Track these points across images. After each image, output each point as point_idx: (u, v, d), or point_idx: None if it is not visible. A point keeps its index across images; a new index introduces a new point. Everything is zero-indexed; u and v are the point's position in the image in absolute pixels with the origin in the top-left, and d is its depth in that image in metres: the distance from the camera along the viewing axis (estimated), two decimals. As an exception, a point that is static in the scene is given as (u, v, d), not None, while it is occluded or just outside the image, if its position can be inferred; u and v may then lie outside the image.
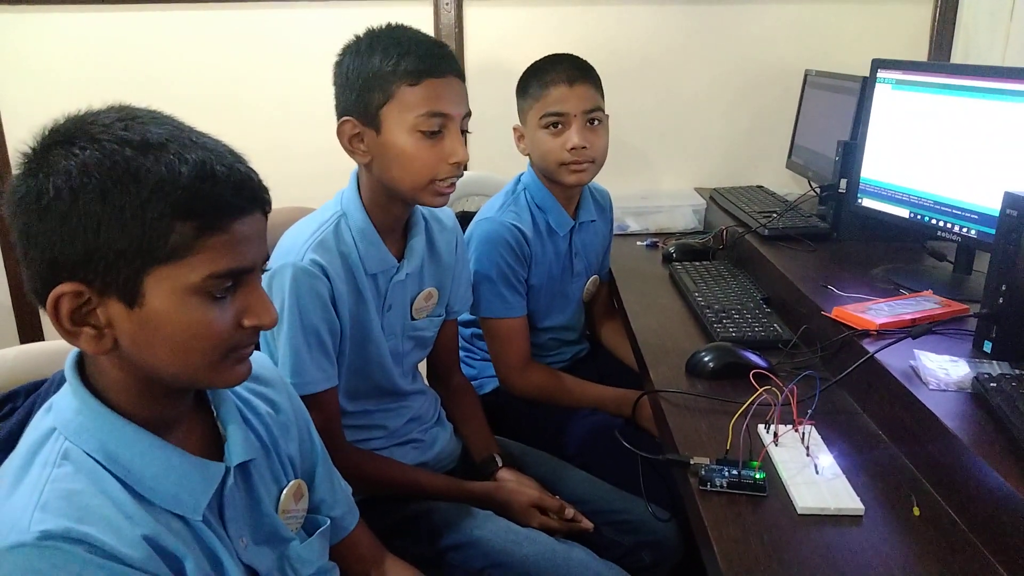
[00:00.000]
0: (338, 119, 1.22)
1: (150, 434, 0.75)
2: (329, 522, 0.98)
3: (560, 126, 1.59)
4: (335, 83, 1.23)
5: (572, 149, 1.58)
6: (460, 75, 1.22)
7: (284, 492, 0.91)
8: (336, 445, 1.20)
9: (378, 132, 1.19)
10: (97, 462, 0.72)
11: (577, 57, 1.63)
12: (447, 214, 1.44)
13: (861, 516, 0.95)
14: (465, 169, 1.34)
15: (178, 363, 0.74)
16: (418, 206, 1.32)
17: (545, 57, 1.65)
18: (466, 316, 1.68)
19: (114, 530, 0.68)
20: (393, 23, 1.23)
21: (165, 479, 0.75)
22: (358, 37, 1.21)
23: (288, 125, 2.39)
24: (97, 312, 0.71)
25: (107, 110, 0.73)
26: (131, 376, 0.74)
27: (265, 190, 0.76)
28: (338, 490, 1.03)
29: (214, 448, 0.83)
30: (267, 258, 0.79)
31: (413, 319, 1.36)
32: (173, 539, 0.73)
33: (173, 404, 0.79)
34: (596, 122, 1.61)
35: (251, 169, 0.75)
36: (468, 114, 1.23)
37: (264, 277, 1.19)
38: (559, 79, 1.58)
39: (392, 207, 1.26)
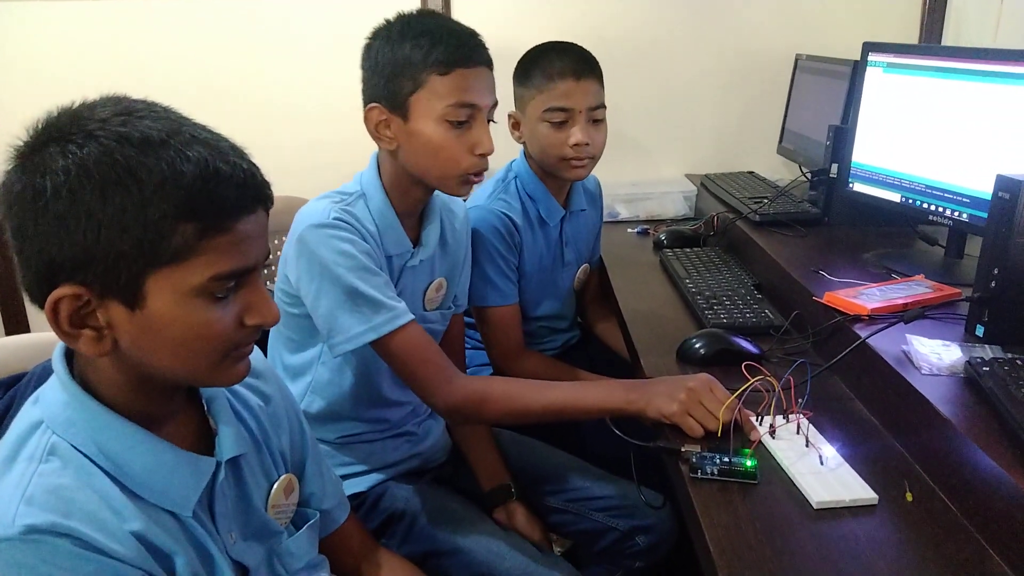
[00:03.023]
0: (365, 105, 1.21)
1: (140, 429, 0.74)
2: (318, 515, 0.97)
3: (564, 121, 1.57)
4: (363, 67, 1.21)
5: (575, 145, 1.56)
6: (490, 65, 1.21)
7: (275, 486, 0.91)
8: (445, 376, 1.17)
9: (405, 120, 1.17)
10: (86, 456, 0.71)
11: (582, 48, 1.60)
12: (459, 205, 1.42)
13: (875, 505, 0.93)
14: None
15: (179, 364, 0.72)
16: (436, 194, 1.30)
17: (549, 44, 1.61)
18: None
19: (102, 526, 0.67)
20: (424, 9, 1.23)
21: (155, 474, 0.74)
22: (389, 22, 1.20)
23: (284, 116, 2.37)
24: (97, 314, 0.69)
25: (102, 102, 0.70)
26: (127, 375, 0.73)
27: (267, 186, 0.75)
28: (328, 483, 1.02)
29: (204, 442, 0.82)
30: (268, 255, 0.77)
31: (425, 309, 1.34)
32: (163, 535, 0.72)
33: (165, 400, 0.78)
34: (598, 119, 1.59)
35: (253, 165, 0.73)
36: (495, 104, 1.22)
37: (289, 248, 1.18)
38: (566, 72, 1.55)
39: (413, 192, 1.25)
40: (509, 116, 1.66)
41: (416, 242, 1.29)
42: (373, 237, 1.21)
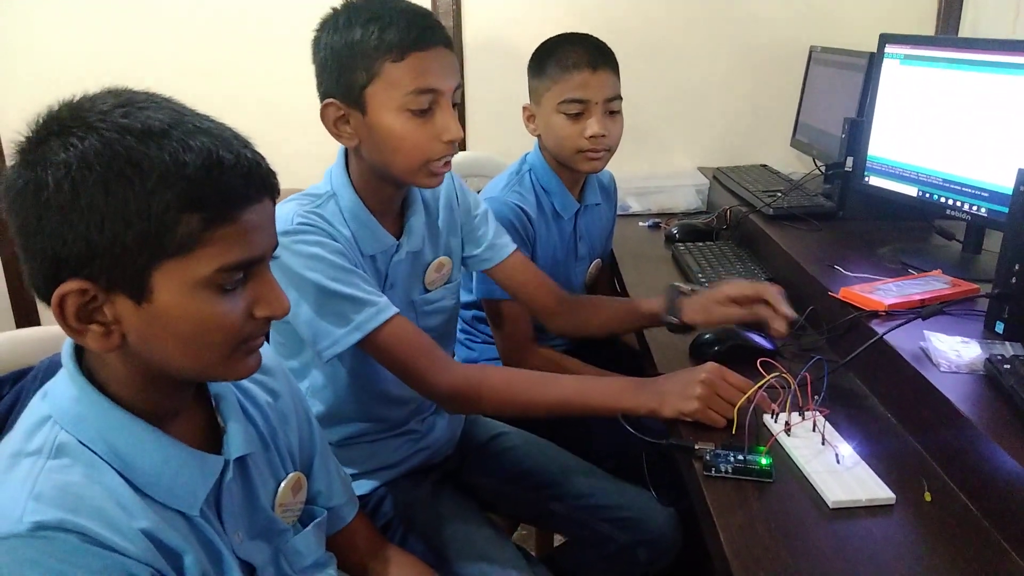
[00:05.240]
0: (321, 101, 1.14)
1: (150, 426, 0.73)
2: (325, 513, 0.96)
3: (580, 113, 1.55)
4: (314, 62, 1.15)
5: (591, 137, 1.54)
6: (447, 44, 1.14)
7: (282, 485, 0.89)
8: (425, 372, 1.14)
9: (364, 113, 1.11)
10: (94, 453, 0.70)
11: (597, 39, 1.58)
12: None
13: (892, 505, 0.92)
14: (462, 147, 1.25)
15: (189, 358, 0.71)
16: None
17: (564, 36, 1.59)
18: (467, 298, 1.65)
19: (110, 522, 0.67)
20: None
21: (163, 472, 0.73)
22: (335, 11, 1.13)
23: (286, 104, 2.35)
24: (104, 309, 0.68)
25: (103, 94, 0.69)
26: (136, 370, 0.72)
27: (273, 175, 0.73)
28: (336, 480, 1.01)
29: (212, 440, 0.81)
30: (276, 246, 0.76)
31: (427, 291, 1.31)
32: (172, 533, 0.71)
33: (174, 396, 0.77)
34: (615, 110, 1.57)
35: (258, 154, 0.72)
36: (459, 86, 1.16)
37: None
38: (581, 63, 1.52)
39: (383, 188, 1.20)
40: (524, 108, 1.64)
41: (399, 235, 1.24)
42: (347, 240, 1.16)
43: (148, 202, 0.65)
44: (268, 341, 1.29)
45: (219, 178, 0.67)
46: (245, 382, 0.88)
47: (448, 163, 1.16)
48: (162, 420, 0.75)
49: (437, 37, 1.11)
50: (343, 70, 1.10)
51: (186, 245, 0.67)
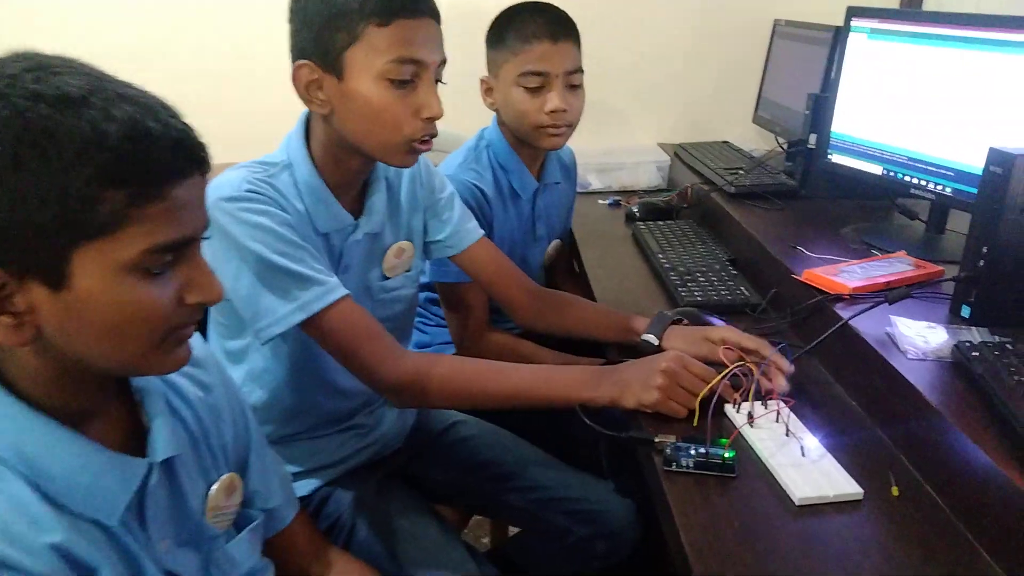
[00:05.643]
0: (293, 61, 1.06)
1: (64, 428, 0.66)
2: (262, 516, 0.89)
3: (540, 86, 1.48)
4: (290, 20, 1.07)
5: (552, 112, 1.47)
6: (436, 16, 1.08)
7: (215, 488, 0.83)
8: (371, 362, 1.08)
9: (340, 79, 1.04)
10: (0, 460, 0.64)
11: (559, 9, 1.50)
12: None
13: (860, 500, 0.88)
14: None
15: (112, 350, 0.65)
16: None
17: (524, 4, 1.51)
18: (421, 279, 1.59)
19: (12, 538, 0.60)
20: None
21: (79, 479, 0.66)
22: None
23: (228, 73, 2.25)
24: (15, 298, 0.61)
25: (9, 58, 0.62)
26: (51, 365, 0.66)
27: (204, 148, 0.67)
28: (273, 479, 0.94)
29: (135, 441, 0.74)
30: (207, 225, 0.69)
31: (386, 278, 1.24)
32: (87, 546, 0.65)
33: (93, 393, 0.70)
34: (576, 84, 1.51)
35: (187, 125, 0.66)
36: (443, 62, 1.09)
37: None
38: (542, 34, 1.45)
39: (348, 162, 1.12)
40: (482, 81, 1.57)
41: (359, 213, 1.17)
42: (300, 215, 1.09)
43: (66, 177, 0.58)
44: (208, 324, 1.22)
45: (145, 150, 0.61)
46: (173, 375, 0.81)
47: (427, 142, 1.09)
48: (79, 420, 0.68)
49: (426, 6, 1.05)
50: (323, 30, 1.02)
51: (109, 225, 0.61)
